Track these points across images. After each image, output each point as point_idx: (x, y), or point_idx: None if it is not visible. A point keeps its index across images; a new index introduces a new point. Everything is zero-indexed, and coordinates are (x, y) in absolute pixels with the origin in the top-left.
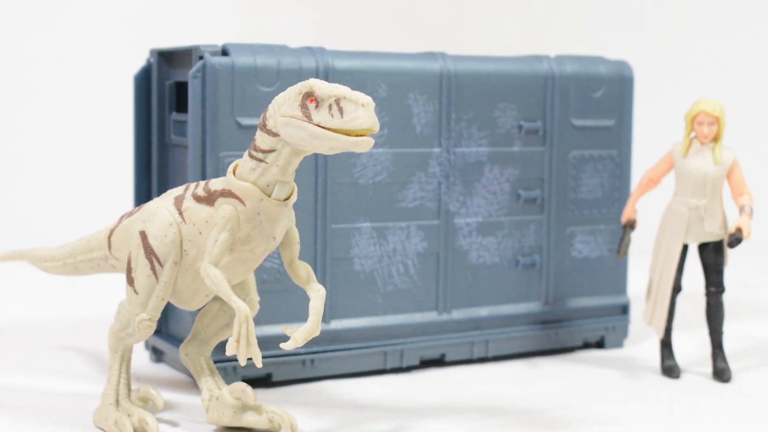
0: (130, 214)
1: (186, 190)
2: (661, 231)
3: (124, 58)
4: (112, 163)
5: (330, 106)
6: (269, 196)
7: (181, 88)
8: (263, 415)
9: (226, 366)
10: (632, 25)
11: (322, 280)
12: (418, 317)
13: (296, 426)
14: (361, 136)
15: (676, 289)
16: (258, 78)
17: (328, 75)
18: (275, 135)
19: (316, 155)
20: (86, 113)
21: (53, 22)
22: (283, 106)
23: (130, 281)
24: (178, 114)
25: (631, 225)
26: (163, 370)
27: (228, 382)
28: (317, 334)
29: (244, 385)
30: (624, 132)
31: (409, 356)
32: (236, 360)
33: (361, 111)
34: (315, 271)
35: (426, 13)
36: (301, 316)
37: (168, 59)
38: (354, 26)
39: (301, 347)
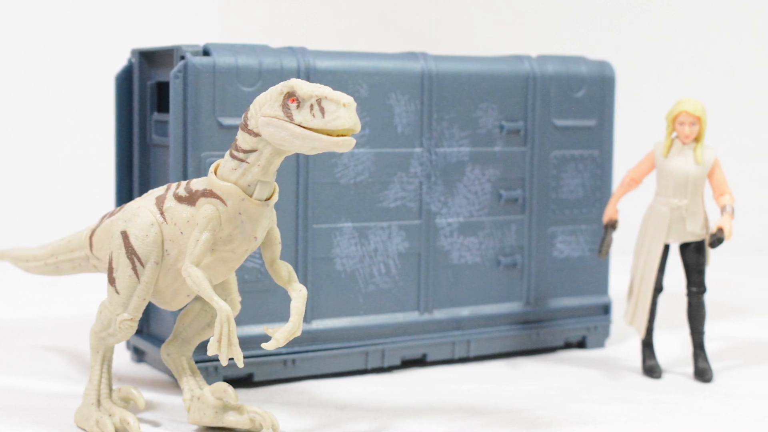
0: (111, 214)
1: (167, 190)
2: (643, 231)
3: (105, 58)
4: (94, 163)
5: (311, 106)
6: (251, 196)
7: (162, 88)
8: (244, 415)
9: (207, 366)
10: (614, 25)
11: (304, 280)
12: (399, 317)
13: (278, 426)
14: (342, 136)
15: (658, 289)
16: (239, 78)
17: (310, 75)
18: (256, 135)
19: (297, 155)
20: (68, 113)
21: (34, 22)
22: (265, 106)
23: (112, 281)
24: (159, 114)
25: (612, 225)
26: (144, 370)
27: (209, 382)
28: (299, 334)
29: (225, 385)
30: (605, 132)
31: (391, 356)
32: (218, 360)
33: (343, 111)
34: (296, 271)
35: (407, 13)
36: (283, 316)
37: (149, 59)
38: (335, 26)
39: (283, 347)
